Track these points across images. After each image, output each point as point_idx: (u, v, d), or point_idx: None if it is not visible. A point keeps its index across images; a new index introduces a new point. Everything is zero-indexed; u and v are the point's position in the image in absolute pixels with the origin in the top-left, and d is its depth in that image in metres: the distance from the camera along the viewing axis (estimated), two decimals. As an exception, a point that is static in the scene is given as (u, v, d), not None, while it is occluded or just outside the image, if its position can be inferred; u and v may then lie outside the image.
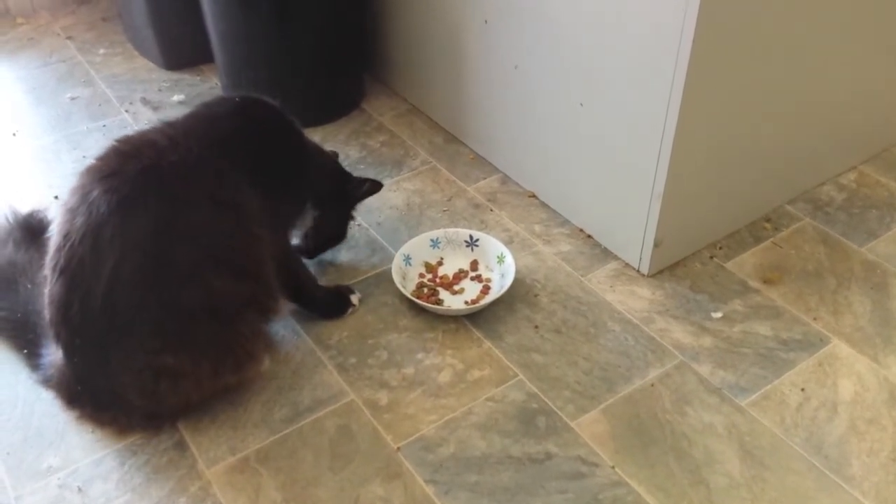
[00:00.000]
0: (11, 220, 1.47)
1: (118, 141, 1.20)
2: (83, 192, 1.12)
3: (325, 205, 1.45)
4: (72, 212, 1.12)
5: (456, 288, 1.48)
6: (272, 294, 1.27)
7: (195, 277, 1.14)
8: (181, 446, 1.22)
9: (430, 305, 1.42)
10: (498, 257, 1.50)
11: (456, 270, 1.51)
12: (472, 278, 1.50)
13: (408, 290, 1.44)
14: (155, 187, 1.12)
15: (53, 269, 1.13)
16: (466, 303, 1.44)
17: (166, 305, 1.12)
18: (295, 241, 1.48)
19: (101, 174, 1.13)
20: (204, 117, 1.30)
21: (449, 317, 1.43)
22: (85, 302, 1.10)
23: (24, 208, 1.52)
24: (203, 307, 1.15)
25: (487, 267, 1.52)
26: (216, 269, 1.16)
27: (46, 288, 1.16)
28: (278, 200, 1.30)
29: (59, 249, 1.12)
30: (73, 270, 1.11)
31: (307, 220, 1.44)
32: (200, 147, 1.20)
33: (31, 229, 1.46)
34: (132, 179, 1.11)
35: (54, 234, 1.15)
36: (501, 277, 1.47)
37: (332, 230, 1.51)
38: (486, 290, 1.47)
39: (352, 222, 1.54)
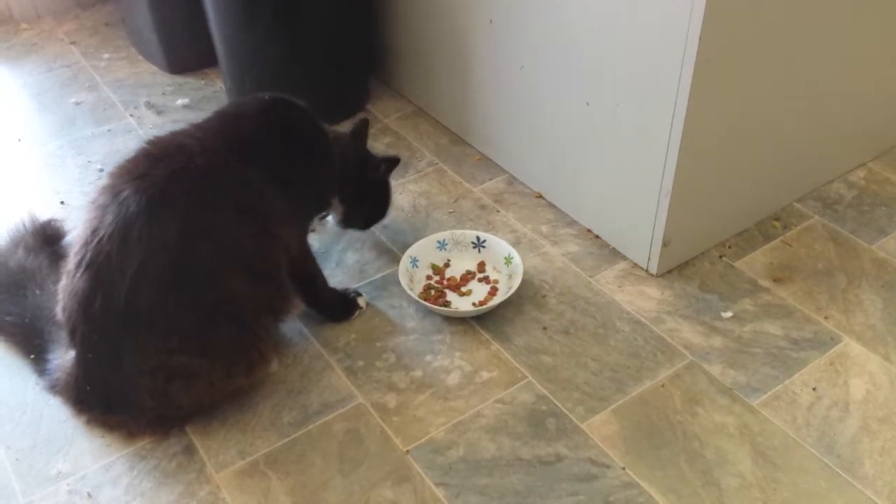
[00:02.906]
0: (28, 227, 1.47)
1: (148, 143, 1.23)
2: (114, 192, 1.15)
3: (351, 197, 1.47)
4: (102, 209, 1.15)
5: (463, 290, 1.47)
6: (287, 296, 1.29)
7: (216, 279, 1.17)
8: (190, 450, 1.22)
9: (437, 307, 1.41)
10: (505, 258, 1.49)
11: (463, 272, 1.51)
12: (480, 280, 1.49)
13: (415, 292, 1.44)
14: (183, 190, 1.15)
15: (79, 263, 1.15)
16: (474, 304, 1.44)
17: (186, 305, 1.14)
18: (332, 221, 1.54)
19: (132, 175, 1.16)
20: (232, 118, 1.33)
21: (457, 319, 1.42)
22: (108, 297, 1.12)
23: (43, 216, 1.52)
24: (221, 309, 1.17)
25: (495, 268, 1.51)
26: (237, 272, 1.19)
27: (65, 281, 1.17)
28: (301, 200, 1.32)
29: (86, 244, 1.14)
30: (100, 266, 1.13)
31: (338, 212, 1.48)
32: (227, 150, 1.23)
33: (45, 237, 1.47)
34: (162, 182, 1.14)
35: (82, 229, 1.17)
36: (509, 279, 1.47)
37: (367, 214, 1.53)
38: (493, 291, 1.46)
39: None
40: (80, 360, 1.18)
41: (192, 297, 1.14)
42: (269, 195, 1.23)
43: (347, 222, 1.52)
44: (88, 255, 1.13)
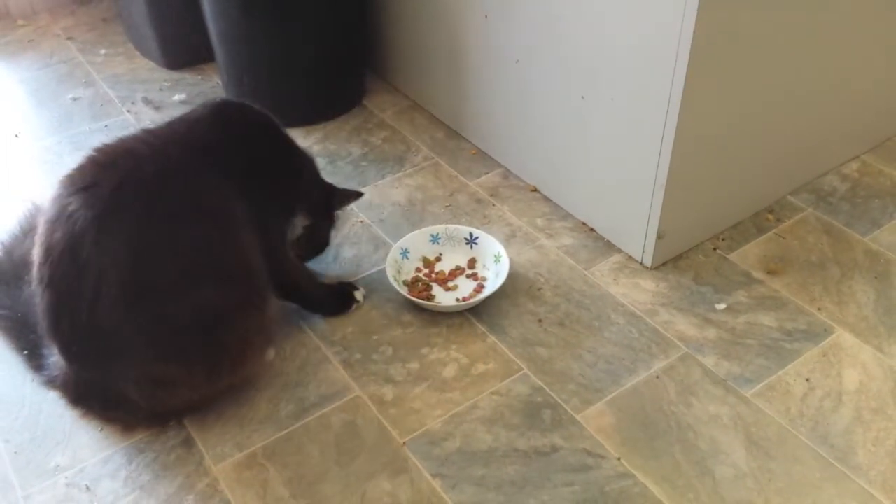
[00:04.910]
0: (34, 214, 1.45)
1: (96, 150, 1.16)
2: (61, 205, 1.10)
3: (315, 213, 1.42)
4: (51, 224, 1.10)
5: (450, 284, 1.47)
6: (263, 293, 1.24)
7: (178, 292, 1.12)
8: (188, 443, 1.23)
9: (418, 300, 1.41)
10: (494, 256, 1.50)
11: (453, 267, 1.51)
12: (468, 276, 1.49)
13: (399, 282, 1.44)
14: (130, 201, 1.10)
15: (39, 282, 1.12)
16: (458, 300, 1.44)
17: (151, 320, 1.10)
18: None
19: (78, 186, 1.11)
20: (185, 122, 1.27)
21: (454, 311, 1.43)
22: (73, 317, 1.09)
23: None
24: (189, 318, 1.13)
25: (484, 266, 1.51)
26: (200, 280, 1.14)
27: (37, 299, 1.14)
28: (266, 205, 1.26)
29: (41, 264, 1.11)
30: (57, 286, 1.10)
31: (297, 228, 1.39)
32: (181, 153, 1.17)
33: None
34: (108, 194, 1.09)
35: (37, 247, 1.13)
36: (496, 277, 1.47)
37: (320, 239, 1.48)
38: (479, 288, 1.46)
39: (334, 229, 1.51)
40: (70, 368, 1.18)
41: (154, 312, 1.10)
42: (227, 199, 1.18)
43: (302, 246, 1.43)
44: (46, 276, 1.10)
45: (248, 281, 1.21)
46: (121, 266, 1.08)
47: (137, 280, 1.09)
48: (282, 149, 1.36)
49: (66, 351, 1.15)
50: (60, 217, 1.09)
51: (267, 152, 1.32)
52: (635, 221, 1.48)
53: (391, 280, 1.43)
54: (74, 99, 2.04)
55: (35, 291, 1.14)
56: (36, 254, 1.13)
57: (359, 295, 1.44)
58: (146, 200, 1.11)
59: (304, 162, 1.40)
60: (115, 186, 1.10)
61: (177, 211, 1.13)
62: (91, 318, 1.08)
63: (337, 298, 1.44)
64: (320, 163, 1.77)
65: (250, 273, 1.21)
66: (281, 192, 1.33)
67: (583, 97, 1.47)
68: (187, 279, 1.13)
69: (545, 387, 1.30)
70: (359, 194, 1.52)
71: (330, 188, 1.47)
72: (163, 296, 1.11)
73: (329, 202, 1.46)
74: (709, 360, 1.33)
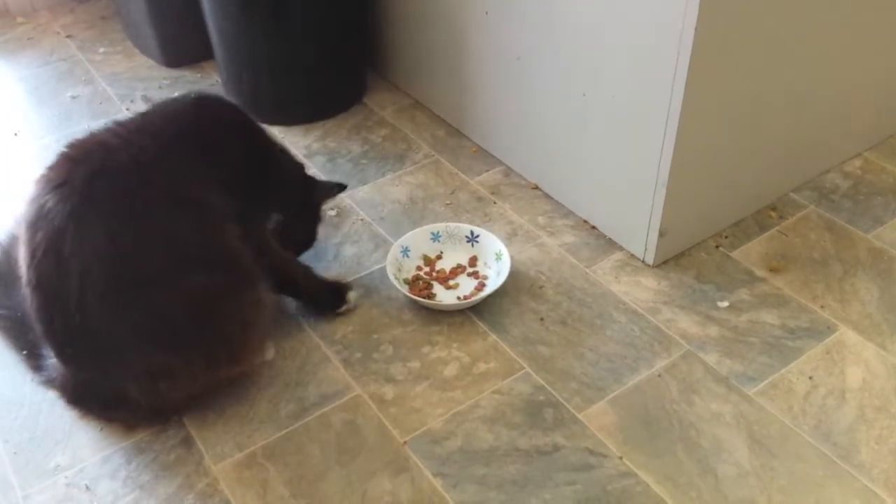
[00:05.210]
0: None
1: (68, 146, 1.15)
2: (38, 204, 1.09)
3: (290, 209, 1.41)
4: (32, 226, 1.10)
5: (451, 283, 1.47)
6: (253, 276, 1.22)
7: (163, 278, 1.11)
8: (188, 443, 1.22)
9: (419, 298, 1.41)
10: (496, 254, 1.49)
11: (454, 265, 1.50)
12: (469, 274, 1.49)
13: (400, 280, 1.44)
14: (105, 192, 1.09)
15: (28, 285, 1.11)
16: (459, 298, 1.43)
17: (141, 309, 1.10)
18: None
19: (53, 184, 1.10)
20: (159, 114, 1.27)
21: (455, 310, 1.42)
22: (63, 316, 1.09)
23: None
24: (180, 306, 1.12)
25: (485, 264, 1.51)
26: (185, 266, 1.13)
27: (28, 303, 1.13)
28: (243, 197, 1.25)
29: (28, 266, 1.10)
30: (45, 286, 1.09)
31: (272, 222, 1.39)
32: (154, 144, 1.16)
33: None
34: (82, 187, 1.08)
35: (21, 250, 1.12)
36: (497, 275, 1.46)
37: (300, 235, 1.48)
38: (480, 286, 1.45)
39: (320, 225, 1.51)
40: (66, 369, 1.17)
41: (143, 300, 1.09)
42: (203, 189, 1.17)
43: (284, 234, 1.41)
44: (33, 278, 1.09)
45: (236, 264, 1.20)
46: (104, 258, 1.07)
47: (122, 270, 1.08)
48: (257, 142, 1.35)
49: (60, 353, 1.15)
50: (39, 217, 1.09)
51: (242, 145, 1.31)
52: (637, 219, 1.47)
53: (392, 278, 1.43)
54: (73, 97, 2.03)
55: (25, 295, 1.13)
56: (22, 257, 1.12)
57: (353, 296, 1.43)
58: (121, 189, 1.10)
59: (280, 155, 1.40)
60: (87, 178, 1.09)
61: (154, 198, 1.12)
62: (82, 318, 1.08)
63: (329, 295, 1.42)
64: (320, 161, 1.79)
65: (236, 257, 1.20)
66: (258, 185, 1.32)
67: (584, 94, 1.46)
68: (173, 266, 1.12)
69: (547, 385, 1.29)
70: (341, 187, 1.52)
71: (311, 181, 1.47)
72: (150, 284, 1.10)
73: (310, 195, 1.47)
74: (711, 358, 1.33)
